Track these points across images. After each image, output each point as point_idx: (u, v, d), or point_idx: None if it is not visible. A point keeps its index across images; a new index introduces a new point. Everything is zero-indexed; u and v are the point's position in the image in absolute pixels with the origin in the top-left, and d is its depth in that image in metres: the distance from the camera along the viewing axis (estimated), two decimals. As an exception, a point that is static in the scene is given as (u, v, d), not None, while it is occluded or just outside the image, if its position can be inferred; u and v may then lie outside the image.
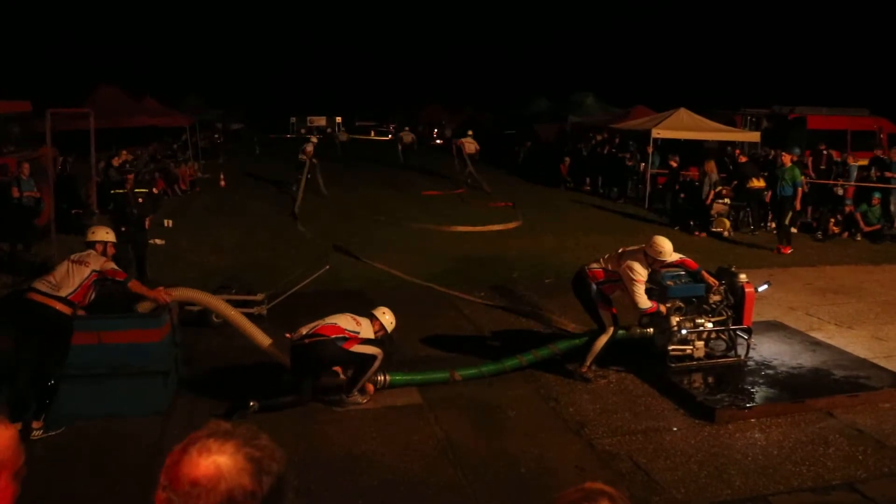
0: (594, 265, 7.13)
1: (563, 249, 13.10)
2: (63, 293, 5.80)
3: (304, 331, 6.16)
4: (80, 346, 5.91)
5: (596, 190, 21.93)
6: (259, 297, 8.57)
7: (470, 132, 25.56)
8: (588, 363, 7.05)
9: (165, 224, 14.82)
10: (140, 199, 10.39)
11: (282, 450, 1.31)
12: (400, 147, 31.41)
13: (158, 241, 13.01)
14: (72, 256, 6.12)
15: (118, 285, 6.14)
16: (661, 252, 6.84)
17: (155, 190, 11.27)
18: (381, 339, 6.39)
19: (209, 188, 21.73)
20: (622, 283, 6.93)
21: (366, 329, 6.27)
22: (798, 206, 13.80)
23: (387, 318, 6.49)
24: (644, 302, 6.88)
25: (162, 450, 1.25)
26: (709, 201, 15.32)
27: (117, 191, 10.79)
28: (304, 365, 6.16)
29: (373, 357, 6.20)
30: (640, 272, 6.81)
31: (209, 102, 38.17)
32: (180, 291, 6.87)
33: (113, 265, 6.24)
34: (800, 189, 13.54)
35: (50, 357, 5.77)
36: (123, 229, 9.65)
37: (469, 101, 48.27)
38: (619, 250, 7.10)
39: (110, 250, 6.56)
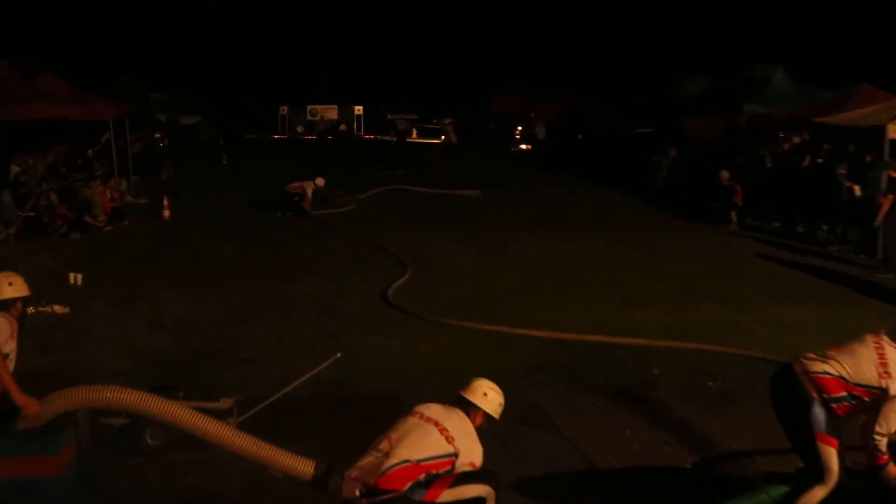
0: (819, 365, 6.90)
1: (738, 329, 12.88)
2: None
3: (357, 488, 6.12)
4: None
5: (792, 229, 21.80)
6: (224, 403, 8.58)
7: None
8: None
9: (71, 281, 15.06)
10: None
11: None
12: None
13: (58, 309, 13.18)
14: None
15: None
16: None
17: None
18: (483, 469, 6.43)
19: (144, 222, 22.21)
20: (871, 403, 6.74)
21: (463, 435, 6.37)
22: None
23: (491, 399, 6.67)
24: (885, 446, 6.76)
25: None
26: None
27: None
28: None
29: (480, 501, 6.26)
30: None
31: (147, 84, 39.31)
32: (69, 395, 6.85)
33: None
34: None
35: None
36: None
37: (568, 83, 48.55)
38: (873, 342, 6.89)
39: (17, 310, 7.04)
